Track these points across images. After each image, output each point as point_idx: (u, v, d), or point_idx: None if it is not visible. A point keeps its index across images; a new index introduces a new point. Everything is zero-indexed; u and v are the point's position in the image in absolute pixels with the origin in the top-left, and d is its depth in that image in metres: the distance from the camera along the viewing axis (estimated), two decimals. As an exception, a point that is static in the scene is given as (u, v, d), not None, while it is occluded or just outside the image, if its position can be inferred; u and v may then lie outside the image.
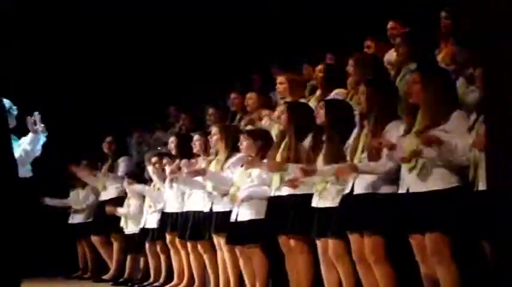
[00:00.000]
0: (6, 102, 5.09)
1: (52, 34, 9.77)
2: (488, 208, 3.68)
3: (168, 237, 7.31)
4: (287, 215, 5.28)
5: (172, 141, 7.39)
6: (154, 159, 7.56)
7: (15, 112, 5.40)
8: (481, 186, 3.95)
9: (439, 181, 4.14)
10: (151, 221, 7.69)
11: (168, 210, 7.30)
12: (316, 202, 5.01)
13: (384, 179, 4.49)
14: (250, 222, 5.79)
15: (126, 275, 8.33)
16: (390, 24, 6.28)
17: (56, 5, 9.49)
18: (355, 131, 4.81)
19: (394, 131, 4.44)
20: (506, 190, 2.39)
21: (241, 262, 6.05)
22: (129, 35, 9.90)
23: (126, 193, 8.26)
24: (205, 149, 6.78)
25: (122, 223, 8.27)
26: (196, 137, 6.90)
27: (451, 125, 4.14)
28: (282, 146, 5.45)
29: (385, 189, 4.50)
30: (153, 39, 9.89)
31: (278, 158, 5.41)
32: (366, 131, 4.62)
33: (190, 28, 9.75)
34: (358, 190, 4.60)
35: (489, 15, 2.55)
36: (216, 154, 6.49)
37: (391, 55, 6.16)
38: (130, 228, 8.17)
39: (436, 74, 4.39)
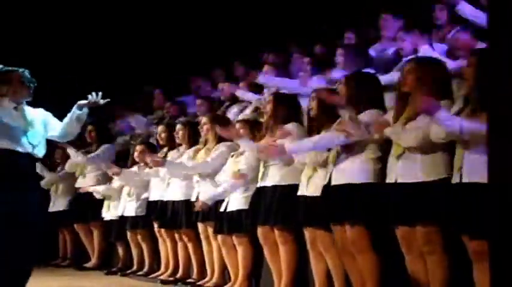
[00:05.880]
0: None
1: (24, 21, 9.63)
2: (471, 202, 3.67)
3: (155, 225, 7.26)
4: (271, 206, 5.27)
5: (162, 131, 7.27)
6: (139, 147, 7.51)
7: (34, 85, 4.99)
8: (465, 178, 3.83)
9: (426, 171, 4.08)
10: (129, 209, 7.63)
11: (152, 198, 7.25)
12: (303, 190, 4.98)
13: (361, 168, 4.46)
14: (239, 212, 5.78)
15: (120, 264, 8.20)
16: (383, 17, 6.28)
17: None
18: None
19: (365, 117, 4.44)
20: (508, 184, 2.34)
21: (224, 252, 6.04)
22: (111, 18, 9.87)
23: (107, 180, 8.18)
24: (188, 139, 6.76)
25: (104, 210, 8.19)
26: (178, 126, 6.88)
27: None
28: (268, 135, 5.40)
29: (363, 178, 4.45)
30: (135, 21, 9.90)
31: None
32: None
33: (173, 14, 9.71)
34: (336, 181, 4.55)
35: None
36: (205, 143, 6.44)
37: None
38: (111, 214, 8.09)
39: (431, 65, 4.29)
